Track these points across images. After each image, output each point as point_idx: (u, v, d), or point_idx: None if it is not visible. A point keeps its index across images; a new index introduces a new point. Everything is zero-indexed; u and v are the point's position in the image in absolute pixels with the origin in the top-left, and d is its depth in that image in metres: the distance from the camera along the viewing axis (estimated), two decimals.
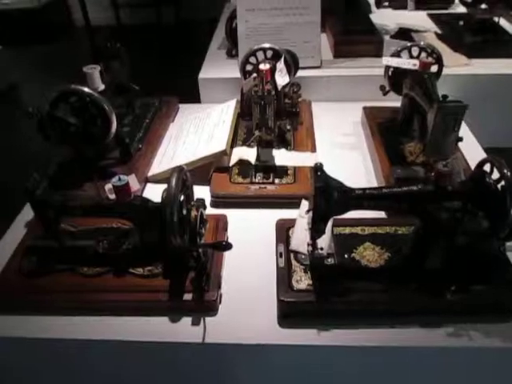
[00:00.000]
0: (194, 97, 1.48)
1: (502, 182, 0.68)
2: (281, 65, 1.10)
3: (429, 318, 0.76)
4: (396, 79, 1.14)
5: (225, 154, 1.05)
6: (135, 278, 0.82)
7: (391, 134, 1.14)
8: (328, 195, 0.68)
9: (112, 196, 0.79)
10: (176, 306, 0.79)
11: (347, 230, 0.86)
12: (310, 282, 0.77)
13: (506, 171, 0.68)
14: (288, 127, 1.20)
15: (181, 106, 1.43)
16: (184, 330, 0.77)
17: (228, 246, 0.70)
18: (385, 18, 1.75)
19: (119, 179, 0.76)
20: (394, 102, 1.21)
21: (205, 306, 0.79)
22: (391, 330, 0.75)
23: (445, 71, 1.37)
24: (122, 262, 0.84)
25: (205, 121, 1.21)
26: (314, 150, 1.13)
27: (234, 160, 1.08)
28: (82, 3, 3.46)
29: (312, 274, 0.78)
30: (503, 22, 1.64)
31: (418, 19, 1.80)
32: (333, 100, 1.40)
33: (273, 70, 1.10)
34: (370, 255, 0.81)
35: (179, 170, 0.76)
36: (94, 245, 0.86)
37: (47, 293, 0.81)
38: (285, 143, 1.15)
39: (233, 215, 0.98)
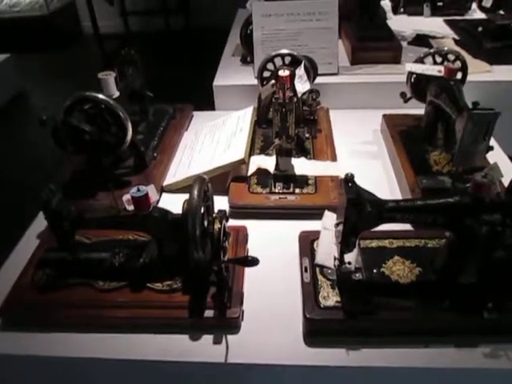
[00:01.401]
0: (207, 104, 1.46)
1: None
2: (301, 71, 1.07)
3: (464, 338, 0.72)
4: (419, 86, 1.10)
5: (243, 162, 1.02)
6: (153, 293, 0.78)
7: (414, 142, 1.10)
8: (360, 208, 0.65)
9: (130, 207, 0.75)
10: (197, 324, 0.75)
11: (374, 244, 0.83)
12: (338, 299, 0.73)
13: None
14: (307, 135, 1.16)
15: (195, 113, 1.40)
16: (205, 349, 0.73)
17: (255, 262, 0.67)
18: (401, 25, 1.72)
19: (138, 190, 0.73)
20: (414, 109, 1.17)
21: (227, 324, 0.75)
22: (424, 350, 0.71)
23: (470, 78, 1.35)
24: (140, 276, 0.80)
25: (221, 129, 1.18)
26: (334, 158, 1.10)
27: (252, 169, 1.04)
28: (91, 11, 3.46)
29: (340, 289, 0.74)
30: None
31: (435, 25, 1.77)
32: (351, 107, 1.37)
33: (292, 77, 1.07)
34: (400, 270, 0.77)
35: (201, 180, 0.73)
36: (110, 258, 0.83)
37: (61, 308, 0.78)
38: (304, 152, 1.11)
39: (252, 227, 0.95)
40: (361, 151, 1.20)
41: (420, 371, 0.70)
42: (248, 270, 0.85)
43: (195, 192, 0.70)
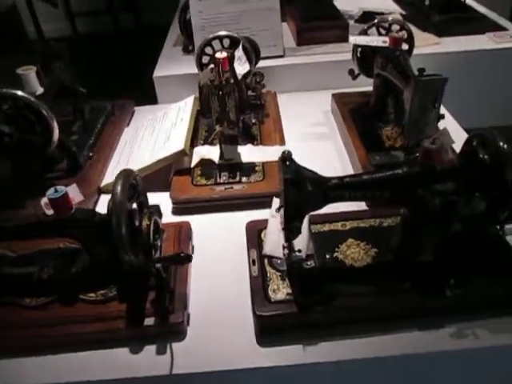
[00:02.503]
0: (153, 99, 1.37)
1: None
2: (239, 52, 1.00)
3: (428, 320, 0.66)
4: (365, 60, 1.05)
5: (184, 154, 0.94)
6: (87, 305, 0.70)
7: (365, 119, 1.05)
8: (300, 188, 0.58)
9: (50, 211, 0.66)
10: (136, 334, 0.67)
11: (326, 227, 0.77)
12: (290, 291, 0.66)
13: (501, 144, 0.59)
14: (253, 120, 1.10)
15: (137, 109, 1.31)
16: (148, 362, 0.66)
17: (188, 258, 0.59)
18: (347, 3, 1.67)
19: (56, 190, 0.64)
20: (366, 87, 1.12)
21: (170, 331, 0.67)
22: (387, 337, 0.65)
23: (415, 51, 1.30)
24: (71, 287, 0.72)
25: (161, 122, 1.10)
26: (283, 142, 1.03)
27: (195, 160, 0.97)
28: (33, 14, 3.30)
29: (290, 280, 0.67)
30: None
31: (382, 2, 1.73)
32: (300, 90, 1.31)
33: (231, 59, 0.99)
34: (354, 253, 0.71)
35: (126, 174, 0.65)
36: (38, 271, 0.74)
37: None
38: (251, 138, 1.04)
39: (198, 222, 0.88)
40: (312, 133, 1.14)
41: (384, 360, 0.65)
42: (194, 269, 0.78)
43: (118, 187, 0.62)
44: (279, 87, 1.27)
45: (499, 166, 0.59)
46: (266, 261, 0.72)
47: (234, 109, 0.90)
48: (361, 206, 0.85)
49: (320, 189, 0.60)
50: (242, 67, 0.98)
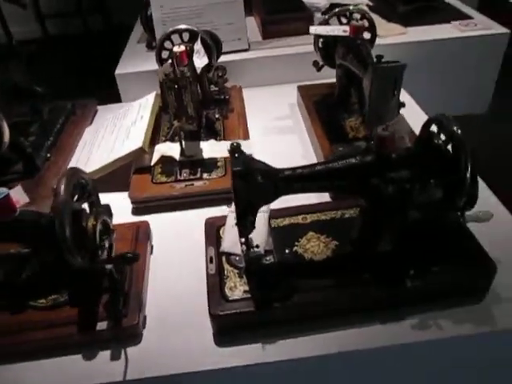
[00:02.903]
0: (118, 98, 1.33)
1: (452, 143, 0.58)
2: (198, 45, 0.98)
3: (390, 312, 0.65)
4: (328, 51, 1.03)
5: (143, 152, 0.91)
6: (37, 312, 0.66)
7: (329, 110, 1.03)
8: (249, 180, 0.56)
9: None
10: (89, 340, 0.64)
11: (286, 221, 0.74)
12: (247, 288, 0.64)
13: (455, 128, 0.57)
14: (217, 116, 1.07)
15: (100, 108, 1.27)
16: (102, 368, 0.63)
17: (134, 258, 0.57)
18: None
19: None
20: (332, 78, 1.10)
21: (124, 334, 0.65)
22: (349, 331, 0.64)
23: (381, 41, 1.30)
24: (20, 294, 0.68)
25: (122, 120, 1.06)
26: (246, 137, 1.01)
27: (155, 158, 0.94)
28: (0, 15, 3.21)
29: (248, 277, 0.65)
30: None
31: None
32: (266, 84, 1.29)
33: (190, 53, 0.97)
34: (314, 246, 0.69)
35: (70, 173, 0.62)
36: None
37: None
38: (213, 133, 1.02)
39: (158, 221, 0.85)
40: (277, 127, 1.12)
41: (347, 355, 0.63)
42: (153, 270, 0.76)
43: (62, 186, 0.59)
44: (245, 81, 1.24)
45: (454, 151, 0.58)
46: (223, 258, 0.69)
47: (192, 103, 0.87)
48: (325, 197, 0.84)
49: (271, 181, 0.58)
50: (200, 60, 0.96)
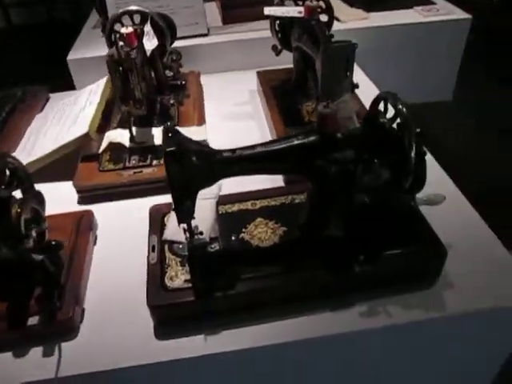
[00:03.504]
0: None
1: (398, 120, 0.56)
2: (147, 27, 0.93)
3: (339, 299, 0.62)
4: (285, 34, 1.00)
5: (89, 138, 0.87)
6: None
7: (287, 95, 1.00)
8: (184, 162, 0.52)
9: None
10: (19, 336, 0.60)
11: (235, 207, 0.71)
12: (188, 277, 0.61)
13: (401, 106, 0.55)
14: (171, 101, 1.03)
15: (54, 95, 1.22)
16: (34, 366, 0.59)
17: (58, 247, 0.53)
18: None
19: None
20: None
21: (58, 329, 0.61)
22: (296, 320, 0.61)
23: (342, 26, 1.28)
24: None
25: (71, 107, 1.01)
26: (201, 123, 0.97)
27: (104, 145, 0.89)
28: None
29: (191, 266, 0.62)
30: None
31: None
32: (227, 70, 1.25)
33: (140, 35, 0.92)
34: (261, 232, 0.66)
35: None
36: None
37: None
38: (167, 119, 0.98)
39: (105, 210, 0.81)
40: (235, 113, 1.08)
41: (294, 345, 0.60)
42: (95, 261, 0.72)
43: None
44: (204, 67, 1.20)
45: (399, 129, 0.55)
46: (166, 246, 0.66)
47: (140, 86, 0.83)
48: (279, 182, 0.81)
49: (207, 162, 0.54)
50: (150, 43, 0.91)
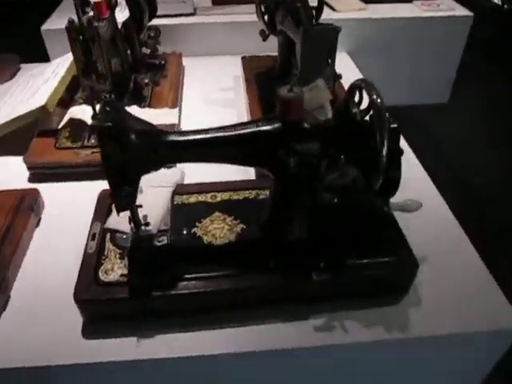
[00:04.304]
0: None
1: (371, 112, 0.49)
2: None
3: (291, 309, 0.56)
4: (271, 17, 0.93)
5: (47, 111, 0.80)
6: None
7: (270, 82, 0.93)
8: (122, 141, 0.46)
9: None
10: None
11: (193, 199, 0.65)
12: (125, 272, 0.54)
13: (375, 96, 0.48)
14: (146, 81, 0.96)
15: (25, 66, 1.14)
16: None
17: None
18: None
19: None
20: None
21: None
22: (241, 329, 0.54)
23: (338, 15, 1.21)
24: None
25: (37, 78, 0.94)
26: (175, 105, 0.90)
27: (65, 120, 0.82)
28: None
29: (129, 259, 0.55)
30: None
31: None
32: (213, 54, 1.18)
33: (113, 6, 0.85)
34: (217, 229, 0.60)
35: None
36: None
37: None
38: (139, 99, 0.91)
39: (55, 191, 0.75)
40: (216, 99, 1.01)
41: (238, 357, 0.53)
42: (33, 247, 0.66)
43: None
44: (188, 49, 1.14)
45: (371, 122, 0.48)
46: (108, 236, 0.59)
47: (104, 59, 0.76)
48: (250, 175, 0.75)
49: (151, 144, 0.47)
50: (122, 14, 0.84)
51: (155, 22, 1.02)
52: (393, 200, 0.57)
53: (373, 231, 0.59)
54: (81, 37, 0.73)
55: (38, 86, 0.89)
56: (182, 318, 0.54)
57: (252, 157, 0.51)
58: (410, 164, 0.79)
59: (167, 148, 0.48)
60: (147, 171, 0.50)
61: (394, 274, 0.56)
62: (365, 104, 0.50)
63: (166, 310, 0.54)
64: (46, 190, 0.74)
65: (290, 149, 0.49)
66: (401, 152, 0.51)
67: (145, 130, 0.48)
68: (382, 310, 0.56)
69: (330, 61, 0.69)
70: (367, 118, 0.50)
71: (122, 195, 0.49)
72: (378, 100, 0.47)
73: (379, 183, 0.49)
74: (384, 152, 0.47)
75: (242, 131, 0.50)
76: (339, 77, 0.73)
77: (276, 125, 0.50)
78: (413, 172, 0.77)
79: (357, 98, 0.52)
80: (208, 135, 0.49)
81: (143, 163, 0.48)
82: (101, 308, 0.53)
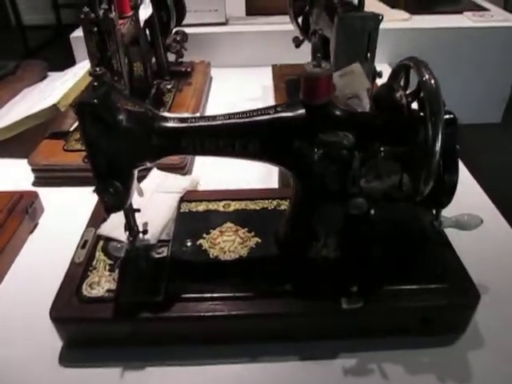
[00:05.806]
0: None
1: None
2: None
3: (314, 345, 0.45)
4: (304, 20, 0.86)
5: (58, 111, 0.74)
6: None
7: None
8: (109, 123, 0.37)
9: None
10: None
11: (202, 207, 0.55)
12: (113, 287, 0.45)
13: (427, 76, 0.38)
14: (168, 87, 0.89)
15: (52, 74, 1.11)
16: None
17: None
18: None
19: None
20: None
21: None
22: (251, 366, 0.44)
23: (385, 26, 1.12)
24: None
25: (56, 80, 0.90)
26: (195, 111, 0.83)
27: (77, 122, 0.76)
28: (13, 3, 3.21)
29: (120, 272, 0.46)
30: None
31: None
32: (242, 64, 1.12)
33: (137, 4, 0.80)
34: (227, 241, 0.50)
35: None
36: None
37: None
38: (159, 105, 0.84)
39: (58, 196, 0.68)
40: (243, 108, 0.93)
41: None
42: (24, 251, 0.59)
43: None
44: (218, 59, 1.09)
45: (420, 109, 0.38)
46: (100, 244, 0.50)
47: (119, 54, 0.70)
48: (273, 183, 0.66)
49: (144, 129, 0.39)
50: (144, 11, 0.79)
51: (185, 30, 0.97)
52: (445, 213, 0.47)
53: (419, 251, 0.47)
54: (95, 28, 0.67)
55: (55, 86, 0.84)
56: (177, 346, 0.44)
57: (268, 149, 0.42)
58: (463, 175, 0.68)
59: (163, 136, 0.40)
60: (140, 163, 0.41)
61: (448, 307, 0.44)
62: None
63: (158, 335, 0.44)
64: (49, 194, 0.67)
65: (314, 140, 0.39)
66: (458, 151, 0.40)
67: (138, 112, 0.39)
68: (432, 351, 0.44)
69: (368, 55, 0.60)
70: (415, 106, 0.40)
71: (109, 191, 0.41)
72: (432, 81, 0.37)
73: (429, 188, 0.39)
74: (437, 148, 0.36)
75: (256, 118, 0.41)
76: (379, 75, 0.64)
77: (299, 111, 0.40)
78: (466, 186, 0.65)
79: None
80: (214, 122, 0.41)
81: (135, 153, 0.40)
82: (80, 329, 0.44)
